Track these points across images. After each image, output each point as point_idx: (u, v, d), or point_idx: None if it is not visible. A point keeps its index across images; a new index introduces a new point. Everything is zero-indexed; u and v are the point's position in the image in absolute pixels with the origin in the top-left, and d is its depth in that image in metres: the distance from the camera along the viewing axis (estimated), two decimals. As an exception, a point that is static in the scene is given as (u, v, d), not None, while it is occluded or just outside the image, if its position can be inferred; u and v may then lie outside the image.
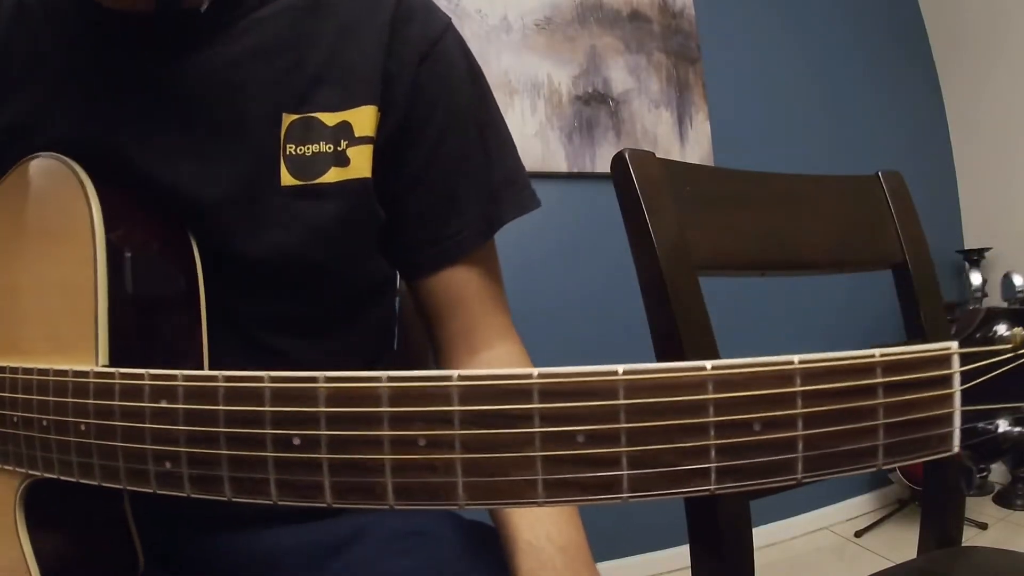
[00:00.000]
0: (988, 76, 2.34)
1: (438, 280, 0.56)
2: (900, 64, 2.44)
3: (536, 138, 1.83)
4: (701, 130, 2.03)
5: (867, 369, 0.27)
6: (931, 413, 0.27)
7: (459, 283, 0.56)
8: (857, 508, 2.13)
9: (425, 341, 0.77)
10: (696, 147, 2.01)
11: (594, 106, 1.92)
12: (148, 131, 0.48)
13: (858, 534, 1.98)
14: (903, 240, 0.78)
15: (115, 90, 0.48)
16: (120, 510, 0.44)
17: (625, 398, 0.26)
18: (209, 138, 0.48)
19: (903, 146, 2.36)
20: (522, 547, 0.45)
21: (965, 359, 0.28)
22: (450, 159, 0.54)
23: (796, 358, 0.26)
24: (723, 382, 0.26)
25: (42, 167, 0.45)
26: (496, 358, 0.56)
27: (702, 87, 2.05)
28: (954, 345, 0.28)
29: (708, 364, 0.26)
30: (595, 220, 1.81)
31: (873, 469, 0.27)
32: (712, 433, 0.26)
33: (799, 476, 0.26)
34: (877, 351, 0.27)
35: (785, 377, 0.26)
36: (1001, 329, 0.29)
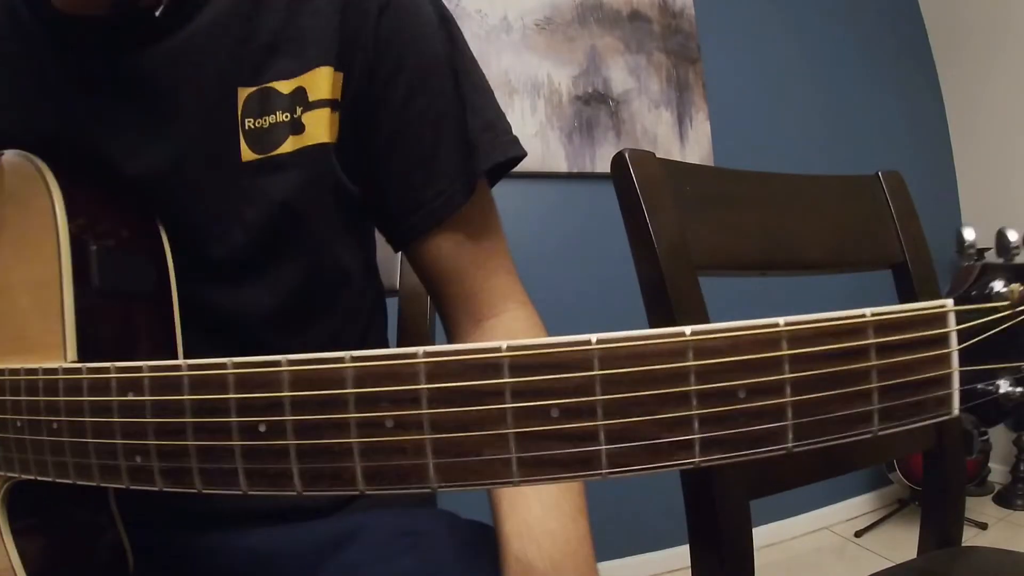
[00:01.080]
0: (988, 76, 2.34)
1: (430, 245, 0.53)
2: (900, 64, 2.44)
3: (536, 138, 1.83)
4: (701, 130, 2.03)
5: (858, 330, 0.25)
6: (928, 375, 0.26)
7: (451, 246, 0.53)
8: (857, 508, 2.13)
9: (425, 337, 0.77)
10: (696, 147, 2.01)
11: (594, 106, 1.92)
12: (116, 124, 0.47)
13: (858, 534, 1.98)
14: (903, 240, 0.78)
15: (81, 88, 0.48)
16: (107, 510, 0.43)
17: (600, 368, 0.25)
18: (172, 123, 0.47)
19: (903, 146, 2.36)
20: (504, 507, 0.45)
21: (961, 317, 0.26)
22: (423, 114, 0.51)
23: (782, 320, 0.25)
24: (704, 348, 0.25)
25: (4, 164, 0.45)
26: (500, 325, 0.54)
27: (702, 87, 2.05)
28: (949, 303, 0.26)
29: (687, 330, 0.25)
30: (595, 220, 1.81)
31: (869, 435, 0.26)
32: (694, 403, 0.25)
33: (790, 445, 0.25)
34: (869, 311, 0.26)
35: (771, 341, 0.25)
36: (997, 285, 0.28)
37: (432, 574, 0.48)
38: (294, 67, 0.48)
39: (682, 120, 2.01)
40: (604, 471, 0.25)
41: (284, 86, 0.48)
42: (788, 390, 0.25)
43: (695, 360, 0.25)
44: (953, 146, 2.51)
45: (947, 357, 0.26)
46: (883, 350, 0.25)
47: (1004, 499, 2.04)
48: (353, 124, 0.50)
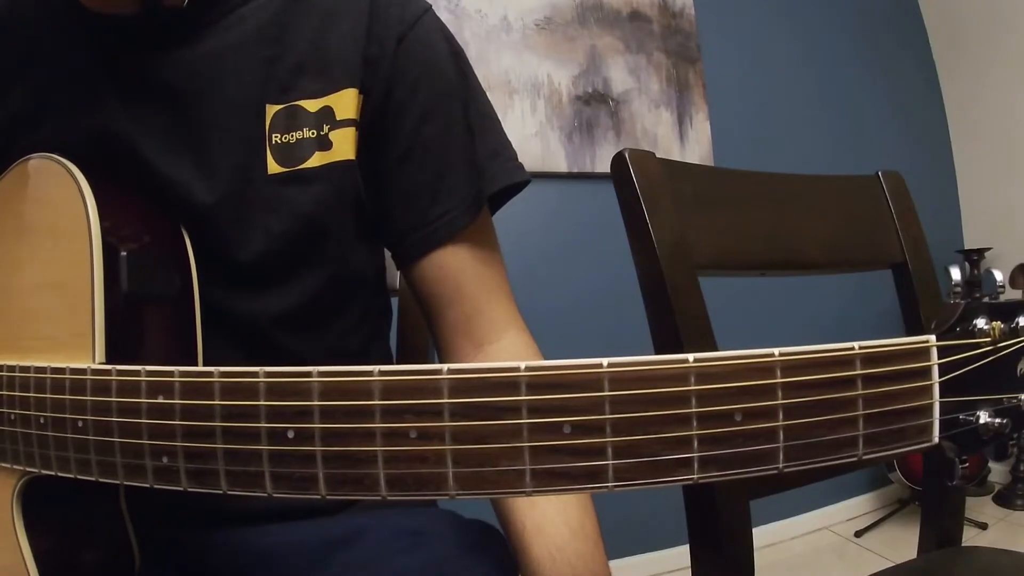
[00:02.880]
0: (988, 76, 2.34)
1: (431, 264, 0.54)
2: (900, 64, 2.44)
3: (536, 138, 1.83)
4: (701, 130, 2.03)
5: (847, 361, 0.27)
6: (910, 404, 0.28)
7: (453, 267, 0.54)
8: (857, 508, 2.13)
9: (423, 337, 0.78)
10: (696, 147, 2.01)
11: (594, 106, 1.92)
12: (147, 122, 0.49)
13: (858, 534, 1.98)
14: (903, 240, 0.78)
15: (114, 85, 0.50)
16: (116, 507, 0.44)
17: (610, 390, 0.27)
18: (198, 130, 0.50)
19: (903, 146, 2.36)
20: (529, 529, 0.47)
21: (944, 351, 0.28)
22: (434, 139, 0.53)
23: (777, 351, 0.27)
24: (705, 374, 0.27)
25: (37, 167, 0.46)
26: (503, 351, 0.55)
27: (702, 87, 2.05)
28: (932, 338, 0.28)
29: (690, 357, 0.27)
30: (595, 220, 1.81)
31: (854, 459, 0.28)
32: (695, 424, 0.27)
33: (780, 465, 0.27)
34: (857, 344, 0.27)
35: (766, 369, 0.27)
36: (980, 323, 0.29)
37: (435, 572, 0.48)
38: (320, 87, 0.51)
39: (682, 120, 2.01)
40: (611, 484, 0.27)
41: (311, 104, 0.51)
42: (781, 415, 0.27)
43: (696, 385, 0.27)
44: (953, 146, 2.51)
45: (929, 389, 0.28)
46: (869, 380, 0.28)
47: (1004, 499, 2.04)
48: (367, 143, 0.52)
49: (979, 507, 2.02)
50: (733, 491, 0.61)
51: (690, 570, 0.64)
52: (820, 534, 2.02)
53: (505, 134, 0.58)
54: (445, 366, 0.28)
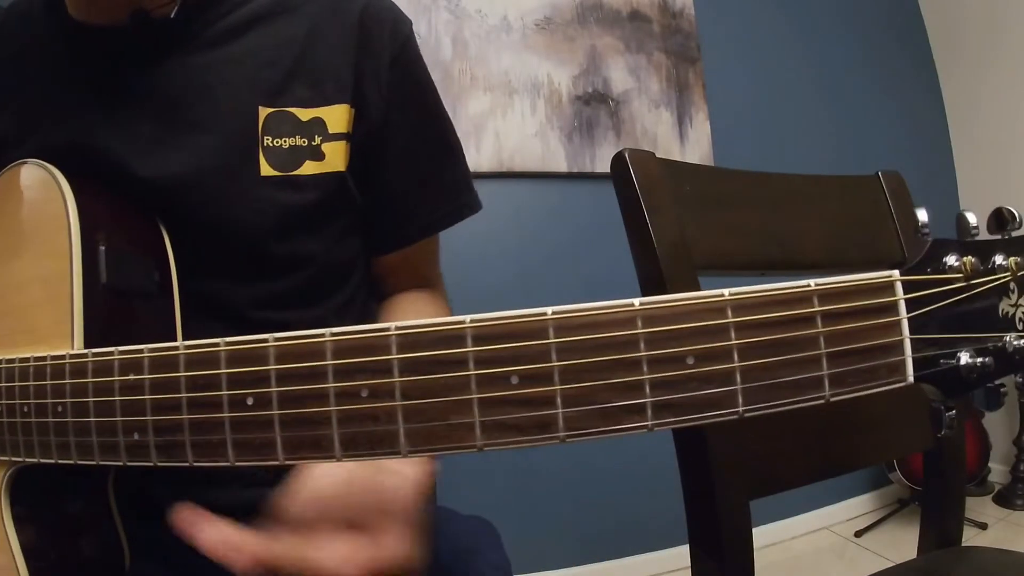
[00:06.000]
0: (987, 76, 2.34)
1: (401, 255, 0.62)
2: (900, 64, 2.44)
3: (536, 138, 1.83)
4: (701, 130, 2.03)
5: (803, 298, 0.26)
6: (877, 342, 0.27)
7: (415, 255, 0.63)
8: (857, 508, 2.13)
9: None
10: (696, 147, 2.01)
11: (594, 106, 1.92)
12: (130, 132, 0.51)
13: (858, 534, 1.97)
14: (903, 240, 0.78)
15: (97, 97, 0.51)
16: (105, 502, 0.44)
17: (556, 337, 0.26)
18: (189, 133, 0.51)
19: (903, 146, 2.35)
20: None
21: (911, 287, 0.27)
22: (422, 152, 0.59)
23: (727, 291, 0.26)
24: (652, 317, 0.26)
25: (22, 173, 0.48)
26: (438, 296, 0.66)
27: (702, 87, 2.05)
28: (895, 272, 0.27)
29: (636, 301, 0.27)
30: (595, 220, 1.81)
31: (821, 401, 0.26)
32: (645, 368, 0.26)
33: (740, 409, 0.26)
34: (813, 280, 0.26)
35: (716, 309, 0.26)
36: (951, 259, 0.28)
37: (433, 568, 0.48)
38: (311, 97, 0.53)
39: (682, 120, 2.01)
40: (562, 434, 0.27)
41: (302, 113, 0.53)
42: (735, 356, 0.26)
43: (644, 328, 0.26)
44: (953, 146, 2.50)
45: (896, 325, 0.27)
46: (829, 318, 0.26)
47: (1004, 499, 2.03)
48: (362, 154, 0.55)
49: (979, 507, 2.01)
50: (733, 491, 0.61)
51: (690, 570, 0.64)
52: (820, 534, 2.02)
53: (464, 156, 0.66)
54: (393, 323, 0.28)
